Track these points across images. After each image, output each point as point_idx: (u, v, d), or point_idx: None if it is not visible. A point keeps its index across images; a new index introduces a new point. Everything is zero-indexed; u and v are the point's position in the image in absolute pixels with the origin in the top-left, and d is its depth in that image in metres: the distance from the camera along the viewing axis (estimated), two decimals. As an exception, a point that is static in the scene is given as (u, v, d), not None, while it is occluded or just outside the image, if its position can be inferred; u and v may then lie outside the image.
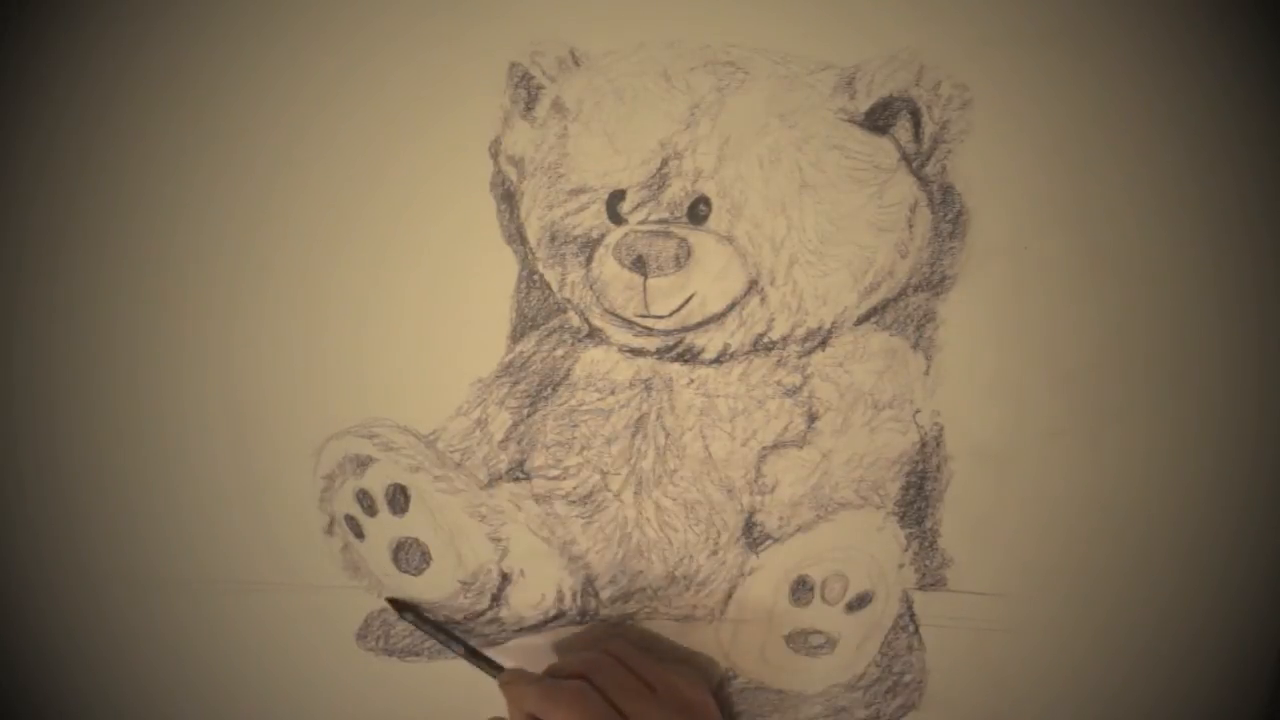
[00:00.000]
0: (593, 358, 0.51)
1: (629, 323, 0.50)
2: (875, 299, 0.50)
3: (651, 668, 0.49)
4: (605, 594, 0.52)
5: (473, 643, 0.53)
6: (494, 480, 0.52)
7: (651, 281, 0.49)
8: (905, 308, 0.50)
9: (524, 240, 0.51)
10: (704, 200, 0.49)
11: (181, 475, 0.53)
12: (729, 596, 0.52)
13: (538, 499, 0.52)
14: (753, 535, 0.52)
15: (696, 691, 0.49)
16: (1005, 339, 0.50)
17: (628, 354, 0.51)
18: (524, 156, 0.50)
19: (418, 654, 0.54)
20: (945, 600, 0.52)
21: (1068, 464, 0.50)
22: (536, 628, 0.54)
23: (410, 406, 0.52)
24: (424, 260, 0.51)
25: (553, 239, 0.50)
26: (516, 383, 0.52)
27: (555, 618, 0.53)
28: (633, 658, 0.50)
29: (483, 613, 0.53)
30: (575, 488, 0.52)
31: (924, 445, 0.51)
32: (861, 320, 0.50)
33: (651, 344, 0.51)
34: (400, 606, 0.53)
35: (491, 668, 0.51)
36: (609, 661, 0.49)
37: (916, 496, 0.51)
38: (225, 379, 0.52)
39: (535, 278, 0.51)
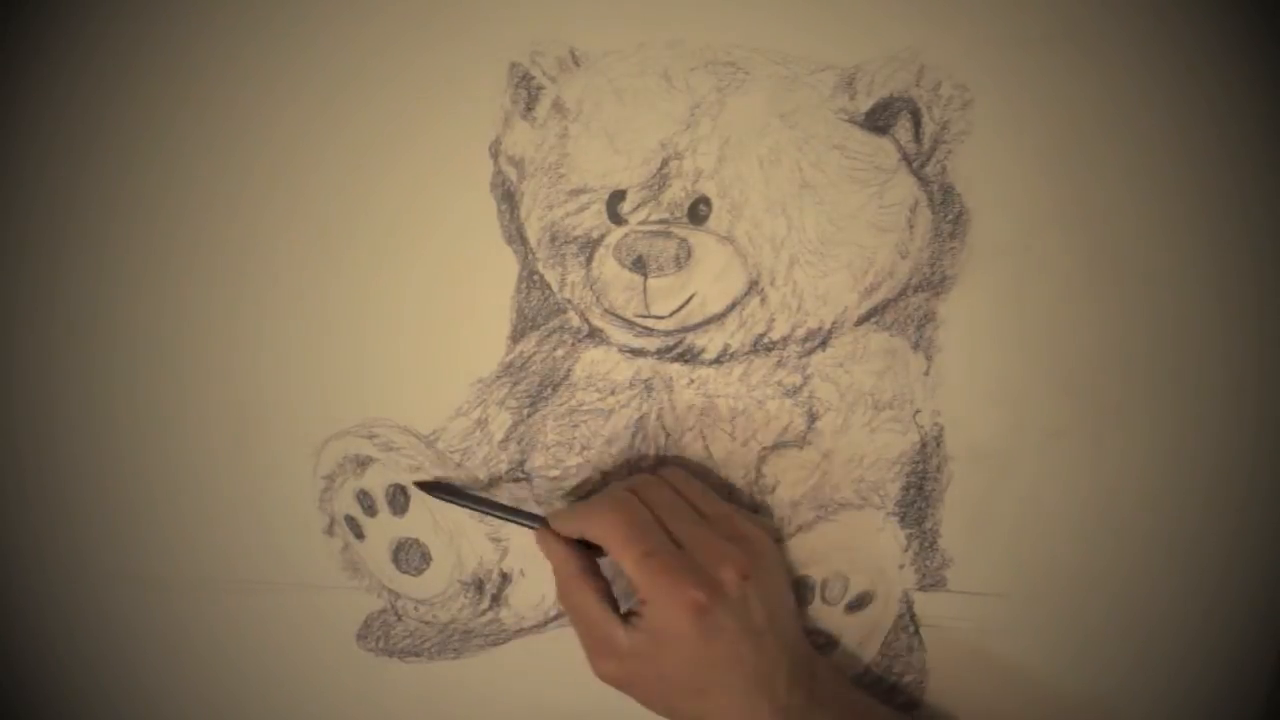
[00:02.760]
0: (593, 358, 0.51)
1: (629, 323, 0.50)
2: (875, 299, 0.50)
3: (705, 495, 0.46)
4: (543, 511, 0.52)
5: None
6: (494, 480, 0.52)
7: (651, 282, 0.49)
8: (905, 308, 0.50)
9: (524, 240, 0.51)
10: (704, 200, 0.49)
11: (182, 475, 0.53)
12: (729, 597, 0.52)
13: (538, 499, 0.52)
14: (753, 535, 0.52)
15: (752, 526, 0.46)
16: (1005, 339, 0.50)
17: (628, 354, 0.51)
18: (524, 157, 0.50)
19: (418, 654, 0.54)
20: (945, 600, 0.52)
21: (1068, 464, 0.50)
22: (536, 628, 0.54)
23: (410, 407, 0.52)
24: (424, 260, 0.51)
25: (553, 239, 0.50)
26: (517, 383, 0.52)
27: (555, 618, 0.53)
28: (686, 484, 0.47)
29: (483, 613, 0.53)
30: (575, 488, 0.52)
31: (924, 446, 0.51)
32: (862, 320, 0.50)
33: (652, 344, 0.51)
34: (428, 487, 0.51)
35: (533, 520, 0.49)
36: (658, 481, 0.46)
37: (917, 497, 0.51)
38: (225, 379, 0.52)
39: (535, 278, 0.51)
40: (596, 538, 0.45)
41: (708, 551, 0.43)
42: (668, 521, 0.44)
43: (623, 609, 0.45)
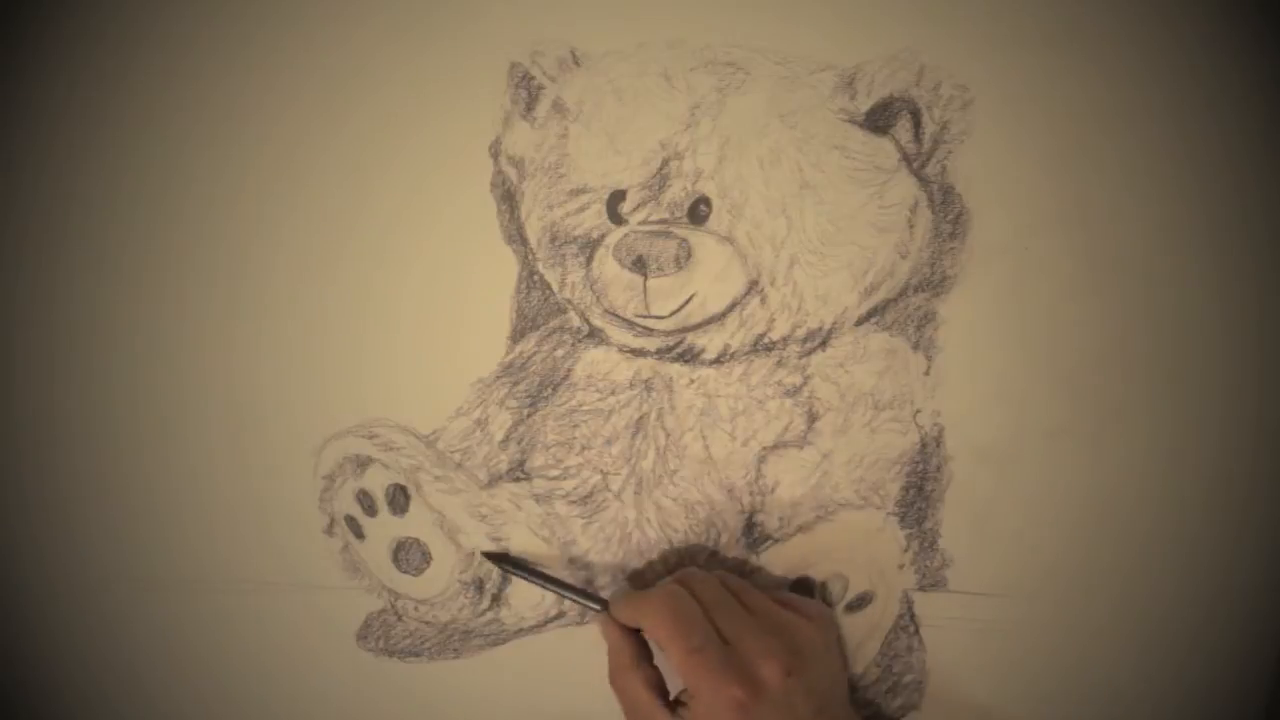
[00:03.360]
0: (593, 358, 0.51)
1: (629, 323, 0.50)
2: (875, 299, 0.50)
3: (755, 594, 0.47)
4: (605, 594, 0.52)
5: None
6: (494, 480, 0.52)
7: (652, 282, 0.49)
8: (905, 308, 0.50)
9: (524, 240, 0.51)
10: (704, 200, 0.49)
11: (182, 475, 0.53)
12: (729, 597, 0.52)
13: (538, 499, 0.52)
14: (753, 536, 0.52)
15: (797, 618, 0.46)
16: (1006, 339, 0.50)
17: (628, 354, 0.51)
18: (524, 157, 0.50)
19: (418, 654, 0.54)
20: (945, 600, 0.51)
21: (1068, 464, 0.50)
22: (536, 628, 0.54)
23: (410, 407, 0.52)
24: (424, 260, 0.51)
25: (553, 239, 0.50)
26: (517, 383, 0.52)
27: (555, 618, 0.53)
28: (735, 582, 0.48)
29: (483, 613, 0.53)
30: (575, 488, 0.52)
31: (924, 446, 0.51)
32: (862, 320, 0.50)
33: (652, 344, 0.51)
34: (495, 558, 0.52)
35: (597, 602, 0.50)
36: (709, 576, 0.47)
37: (917, 497, 0.51)
38: (226, 379, 0.52)
39: (535, 278, 0.51)
40: (647, 630, 0.46)
41: (751, 647, 0.44)
42: (715, 616, 0.45)
43: (673, 695, 0.46)
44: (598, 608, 0.50)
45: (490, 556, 0.52)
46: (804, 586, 0.51)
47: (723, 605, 0.45)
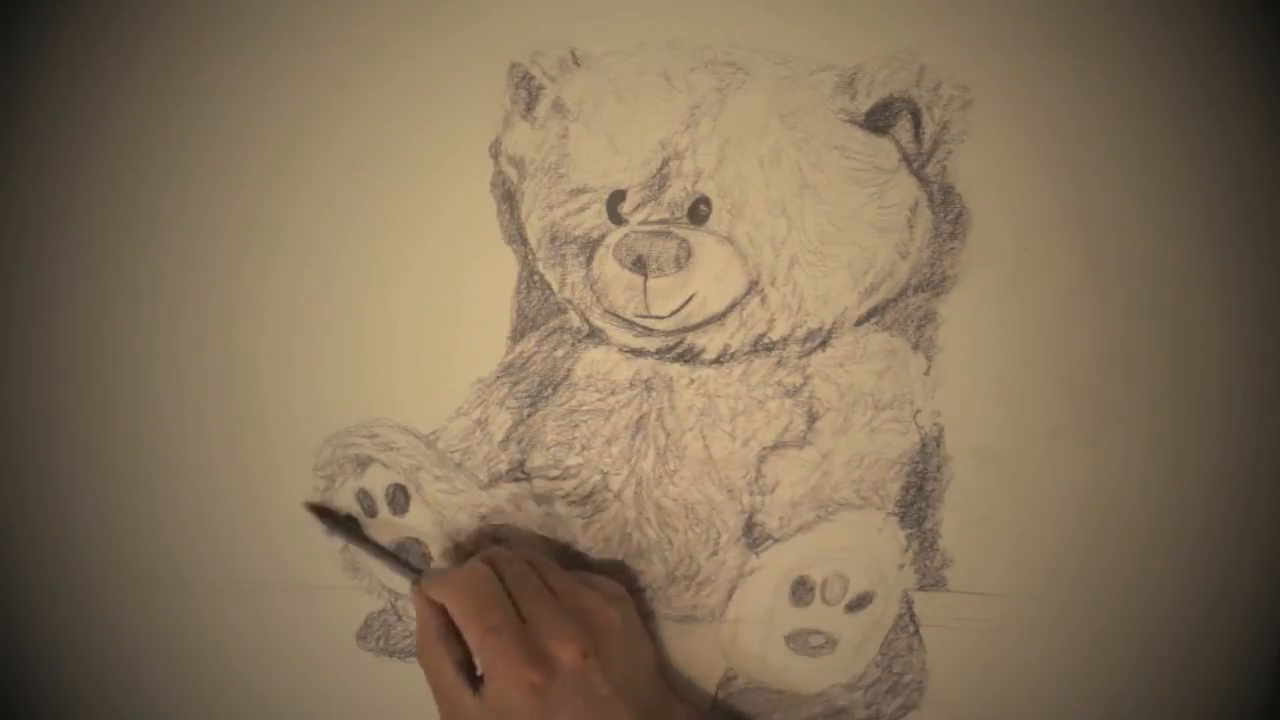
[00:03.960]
0: (593, 358, 0.51)
1: (629, 323, 0.50)
2: (875, 299, 0.50)
3: (558, 573, 0.47)
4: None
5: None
6: (494, 480, 0.52)
7: (652, 282, 0.49)
8: (905, 308, 0.50)
9: (524, 240, 0.51)
10: (704, 200, 0.49)
11: (181, 475, 0.53)
12: (729, 597, 0.52)
13: (538, 499, 0.52)
14: (753, 535, 0.52)
15: (598, 598, 0.47)
16: (1006, 339, 0.50)
17: (628, 354, 0.51)
18: (524, 157, 0.50)
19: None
20: (945, 600, 0.52)
21: (1068, 464, 0.50)
22: (536, 628, 0.53)
23: (410, 406, 0.52)
24: (424, 260, 0.51)
25: (553, 239, 0.50)
26: (517, 383, 0.52)
27: (555, 618, 0.53)
28: (542, 564, 0.48)
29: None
30: (575, 488, 0.52)
31: (924, 446, 0.51)
32: (862, 321, 0.50)
33: (652, 344, 0.51)
34: (319, 511, 0.51)
35: (411, 571, 0.50)
36: (515, 556, 0.47)
37: (917, 497, 0.51)
38: (225, 379, 0.52)
39: (536, 278, 0.51)
40: (449, 608, 0.46)
41: (550, 628, 0.44)
42: (517, 596, 0.45)
43: (480, 672, 0.46)
44: (412, 578, 0.49)
45: (313, 508, 0.51)
46: (804, 586, 0.51)
47: (525, 584, 0.45)
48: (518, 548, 0.50)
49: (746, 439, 0.51)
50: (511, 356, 0.51)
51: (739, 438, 0.51)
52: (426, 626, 0.47)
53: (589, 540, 0.52)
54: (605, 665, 0.44)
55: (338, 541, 0.52)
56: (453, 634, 0.46)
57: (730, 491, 0.51)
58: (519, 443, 0.52)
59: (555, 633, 0.44)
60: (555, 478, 0.52)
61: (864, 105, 0.48)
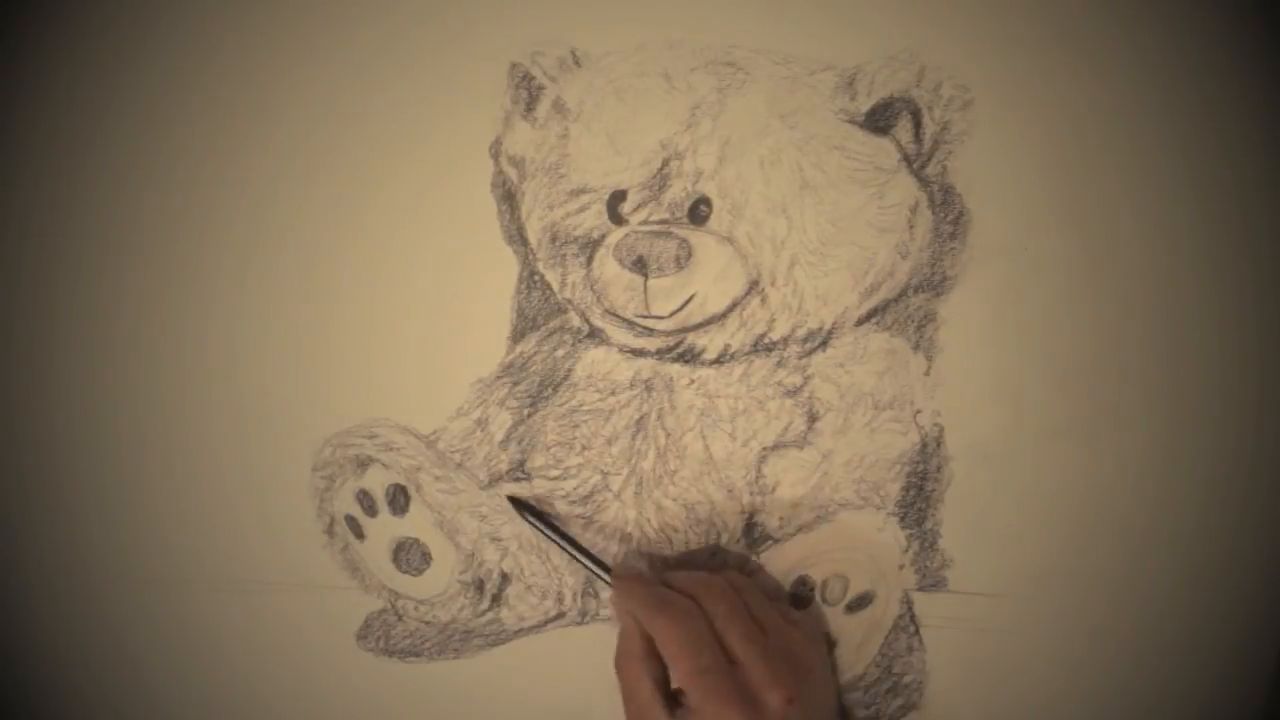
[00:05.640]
0: (593, 358, 0.51)
1: (629, 323, 0.50)
2: (876, 300, 0.50)
3: (767, 609, 0.47)
4: (606, 594, 0.52)
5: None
6: (494, 480, 0.52)
7: (652, 282, 0.49)
8: (906, 308, 0.50)
9: (525, 241, 0.51)
10: (705, 201, 0.49)
11: (182, 475, 0.53)
12: (729, 597, 0.52)
13: (538, 499, 0.52)
14: (753, 535, 0.52)
15: (804, 641, 0.47)
16: (1005, 339, 0.50)
17: (628, 354, 0.51)
18: (525, 157, 0.50)
19: (418, 654, 0.54)
20: (945, 601, 0.52)
21: (1067, 464, 0.50)
22: (536, 628, 0.54)
23: (411, 407, 0.52)
24: (425, 261, 0.51)
25: (553, 239, 0.50)
26: (517, 383, 0.52)
27: (555, 618, 0.53)
28: (750, 592, 0.48)
29: (483, 613, 0.53)
30: (576, 488, 0.52)
31: (924, 446, 0.51)
32: (862, 321, 0.50)
33: (652, 344, 0.51)
34: (518, 504, 0.51)
35: (600, 566, 0.50)
36: (725, 588, 0.47)
37: (917, 497, 0.51)
38: (226, 379, 0.52)
39: (536, 278, 0.51)
40: (657, 641, 0.46)
41: (759, 673, 0.44)
42: (726, 635, 0.45)
43: (674, 685, 0.46)
44: (607, 578, 0.49)
45: (514, 502, 0.51)
46: (804, 586, 0.51)
47: (734, 624, 0.45)
48: (727, 574, 0.49)
49: (747, 439, 0.51)
50: (512, 357, 0.51)
51: (739, 438, 0.51)
52: (631, 642, 0.47)
53: (589, 540, 0.52)
54: (806, 708, 0.45)
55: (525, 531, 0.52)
56: (653, 653, 0.46)
57: (730, 492, 0.51)
58: (519, 443, 0.52)
59: (766, 678, 0.44)
60: (555, 478, 0.52)
61: (864, 105, 0.48)
